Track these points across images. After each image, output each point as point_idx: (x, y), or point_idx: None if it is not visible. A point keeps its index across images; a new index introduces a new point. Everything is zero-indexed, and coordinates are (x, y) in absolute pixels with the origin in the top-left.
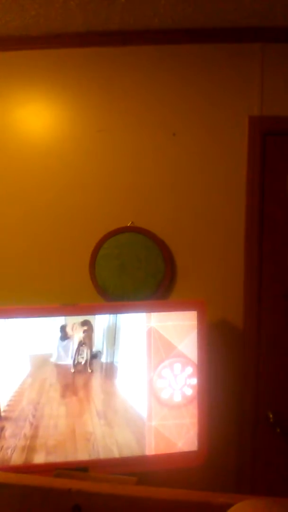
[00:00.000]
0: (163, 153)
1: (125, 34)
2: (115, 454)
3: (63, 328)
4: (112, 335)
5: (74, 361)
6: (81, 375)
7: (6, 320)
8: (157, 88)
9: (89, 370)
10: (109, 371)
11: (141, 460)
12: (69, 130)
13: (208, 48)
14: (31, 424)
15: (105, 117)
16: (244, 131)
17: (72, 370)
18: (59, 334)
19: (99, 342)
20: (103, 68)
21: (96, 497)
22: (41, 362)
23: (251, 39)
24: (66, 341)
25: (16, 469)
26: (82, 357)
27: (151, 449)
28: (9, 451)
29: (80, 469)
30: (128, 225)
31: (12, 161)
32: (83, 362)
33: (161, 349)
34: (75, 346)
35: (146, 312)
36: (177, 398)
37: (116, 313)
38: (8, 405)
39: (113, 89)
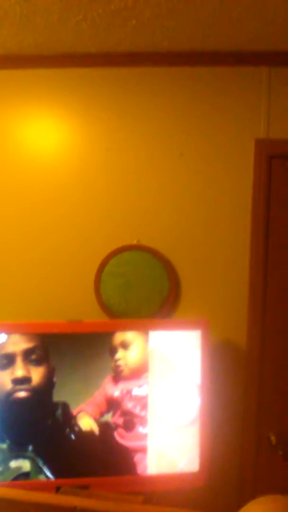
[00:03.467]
0: (170, 173)
1: (134, 55)
2: (117, 473)
3: None
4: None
5: None
6: None
7: (10, 335)
8: (165, 109)
9: None
10: None
11: (143, 480)
12: (78, 148)
13: (216, 71)
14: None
15: (113, 136)
16: (250, 153)
17: None
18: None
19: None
20: (113, 88)
21: None
22: None
23: (257, 63)
24: None
25: (20, 486)
26: None
27: (152, 469)
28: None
29: (81, 487)
30: (134, 243)
31: (20, 177)
32: None
33: (163, 368)
34: None
35: (149, 330)
36: (179, 418)
37: (120, 331)
38: None
39: (122, 109)
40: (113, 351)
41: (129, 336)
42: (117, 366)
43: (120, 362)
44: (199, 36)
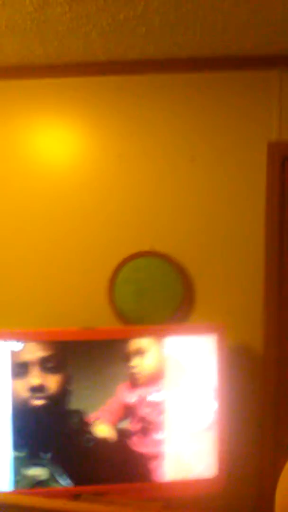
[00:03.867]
0: (182, 178)
1: (144, 62)
2: (135, 479)
3: None
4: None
5: None
6: None
7: (26, 343)
8: (177, 114)
9: None
10: None
11: (160, 486)
12: (90, 155)
13: (227, 75)
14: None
15: (125, 143)
16: (263, 156)
17: None
18: None
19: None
20: (124, 96)
21: None
22: None
23: (268, 66)
24: None
25: (38, 494)
26: None
27: (169, 475)
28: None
29: (99, 494)
30: (147, 249)
31: (33, 186)
32: None
33: (179, 374)
34: None
35: (164, 336)
36: (196, 424)
37: (134, 338)
38: None
39: (133, 116)
40: (128, 358)
41: (144, 342)
42: (133, 373)
43: (135, 369)
44: (209, 41)
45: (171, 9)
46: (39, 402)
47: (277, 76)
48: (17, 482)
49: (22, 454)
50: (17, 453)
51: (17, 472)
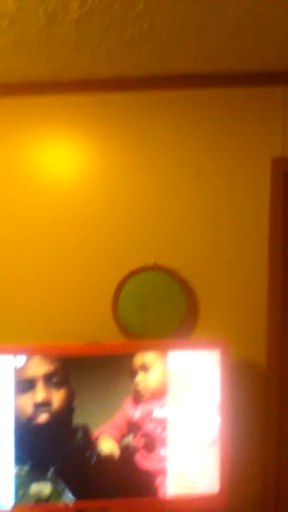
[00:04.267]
0: (187, 194)
1: (150, 79)
2: (138, 495)
3: None
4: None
5: None
6: None
7: (29, 357)
8: (181, 130)
9: None
10: None
11: (163, 502)
12: (94, 171)
13: (231, 92)
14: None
15: (130, 159)
16: (267, 172)
17: None
18: None
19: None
20: (128, 112)
21: None
22: None
23: (273, 83)
24: None
25: (41, 509)
26: None
27: (172, 491)
28: None
29: (102, 509)
30: (151, 264)
31: (37, 201)
32: None
33: (182, 389)
34: None
35: (168, 351)
36: (199, 440)
37: (138, 352)
38: None
39: (138, 132)
40: (132, 373)
41: (148, 357)
42: (137, 388)
43: (139, 384)
44: (213, 58)
45: (177, 27)
46: (42, 417)
47: (281, 93)
48: (19, 497)
49: (25, 469)
50: (19, 468)
51: (20, 487)
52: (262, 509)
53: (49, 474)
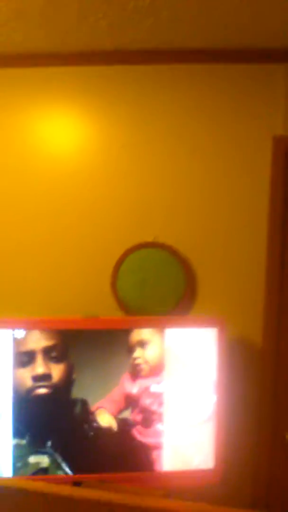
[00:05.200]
0: (186, 170)
1: (151, 53)
2: (134, 469)
3: None
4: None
5: None
6: None
7: (28, 331)
8: (182, 105)
9: None
10: None
11: (158, 476)
12: (93, 145)
13: (233, 68)
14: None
15: (129, 133)
16: (268, 150)
17: None
18: None
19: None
20: (130, 86)
21: (126, 509)
22: None
23: (275, 60)
24: None
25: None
26: None
27: (167, 465)
28: None
29: (99, 482)
30: (151, 240)
31: (36, 175)
32: None
33: (179, 366)
34: None
35: (166, 327)
36: (195, 416)
37: (136, 328)
38: None
39: (137, 106)
40: (130, 348)
41: (146, 333)
42: (134, 363)
43: (137, 360)
44: (215, 34)
45: (178, 1)
46: (41, 391)
47: (282, 70)
48: (18, 469)
49: (23, 442)
50: (18, 441)
51: (18, 459)
52: (256, 484)
53: (47, 446)
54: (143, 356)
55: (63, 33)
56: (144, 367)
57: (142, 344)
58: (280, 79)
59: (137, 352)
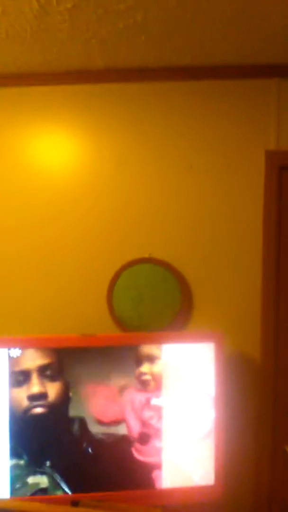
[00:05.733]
0: (181, 186)
1: (143, 71)
2: (133, 487)
3: None
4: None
5: None
6: None
7: (25, 350)
8: (175, 122)
9: None
10: None
11: (158, 493)
12: (88, 162)
13: (226, 84)
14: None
15: (123, 150)
16: (261, 165)
17: None
18: None
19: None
20: (122, 103)
21: None
22: None
23: (267, 75)
24: None
25: (38, 501)
26: None
27: (167, 482)
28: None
29: (98, 501)
30: (146, 256)
31: (32, 192)
32: None
33: (177, 381)
34: None
35: (163, 343)
36: (194, 432)
37: (133, 344)
38: None
39: (132, 123)
40: (127, 366)
41: (143, 350)
42: (133, 381)
43: (135, 377)
44: (207, 50)
45: (170, 18)
46: (38, 410)
47: (275, 85)
48: (16, 489)
49: (22, 462)
50: (16, 461)
51: (16, 479)
52: (257, 499)
53: (46, 466)
54: (141, 373)
55: (55, 52)
56: (142, 384)
57: (139, 361)
58: (272, 94)
59: (135, 369)
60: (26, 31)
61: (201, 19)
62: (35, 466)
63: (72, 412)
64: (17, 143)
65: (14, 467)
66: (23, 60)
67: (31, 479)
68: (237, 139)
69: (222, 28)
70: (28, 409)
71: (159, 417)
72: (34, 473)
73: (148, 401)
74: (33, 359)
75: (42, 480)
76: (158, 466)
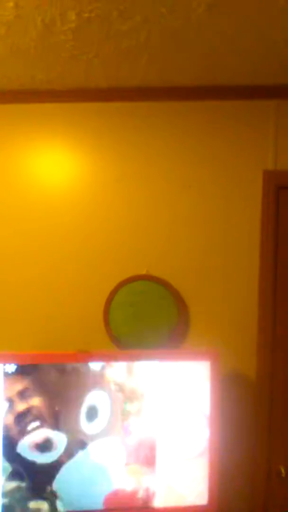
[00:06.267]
0: (179, 204)
1: (144, 90)
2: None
3: None
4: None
5: None
6: None
7: (20, 366)
8: (174, 141)
9: None
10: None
11: None
12: (88, 180)
13: (225, 104)
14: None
15: (123, 169)
16: (259, 184)
17: None
18: None
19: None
20: (123, 122)
21: None
22: None
23: (265, 96)
24: None
25: None
26: None
27: (160, 502)
28: None
29: None
30: (143, 273)
31: (31, 208)
32: None
33: (172, 399)
34: None
35: (158, 360)
36: (188, 451)
37: (129, 361)
38: None
39: (132, 142)
40: (122, 381)
41: (138, 366)
42: (127, 397)
43: (129, 394)
44: (207, 71)
45: (172, 39)
46: (31, 428)
47: (273, 106)
48: None
49: (23, 485)
50: (16, 486)
51: (16, 505)
52: None
53: (47, 492)
54: (135, 389)
55: (58, 70)
56: (136, 400)
57: (133, 378)
58: (270, 115)
59: (129, 385)
60: (30, 49)
61: (201, 40)
62: (36, 492)
63: (66, 430)
64: (18, 159)
65: (13, 492)
66: (26, 77)
67: (32, 504)
68: (235, 159)
69: (223, 50)
70: (20, 427)
71: (153, 435)
72: (36, 498)
73: (143, 419)
74: (28, 375)
75: (43, 506)
76: (151, 486)
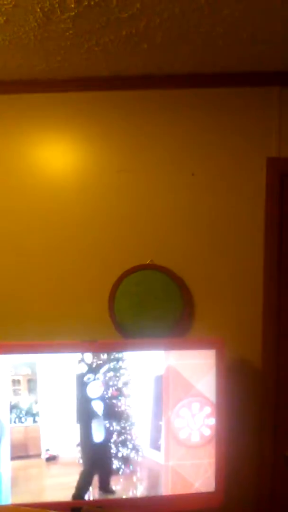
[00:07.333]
0: (182, 192)
1: (146, 78)
2: (132, 493)
3: None
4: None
5: None
6: None
7: (26, 355)
8: (177, 129)
9: None
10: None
11: (158, 501)
12: (90, 169)
13: (228, 91)
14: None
15: (126, 158)
16: (263, 172)
17: None
18: None
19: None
20: (125, 110)
21: None
22: None
23: (268, 83)
24: None
25: (37, 506)
26: None
27: (168, 489)
28: None
29: (98, 507)
30: (147, 262)
31: (33, 199)
32: None
33: (179, 388)
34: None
35: (164, 349)
36: (195, 438)
37: (134, 350)
38: None
39: (134, 130)
40: (128, 371)
41: (144, 355)
42: (133, 386)
43: (135, 382)
44: (209, 58)
45: (173, 26)
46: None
47: (277, 93)
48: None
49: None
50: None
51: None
52: (258, 506)
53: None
54: (141, 378)
55: (58, 59)
56: (142, 389)
57: (140, 365)
58: (274, 101)
59: (135, 375)
60: (29, 38)
61: (203, 27)
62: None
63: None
64: (20, 149)
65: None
66: (26, 67)
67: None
68: (239, 146)
69: (224, 36)
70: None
71: (160, 424)
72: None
73: (150, 407)
74: (34, 366)
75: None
76: (159, 473)
